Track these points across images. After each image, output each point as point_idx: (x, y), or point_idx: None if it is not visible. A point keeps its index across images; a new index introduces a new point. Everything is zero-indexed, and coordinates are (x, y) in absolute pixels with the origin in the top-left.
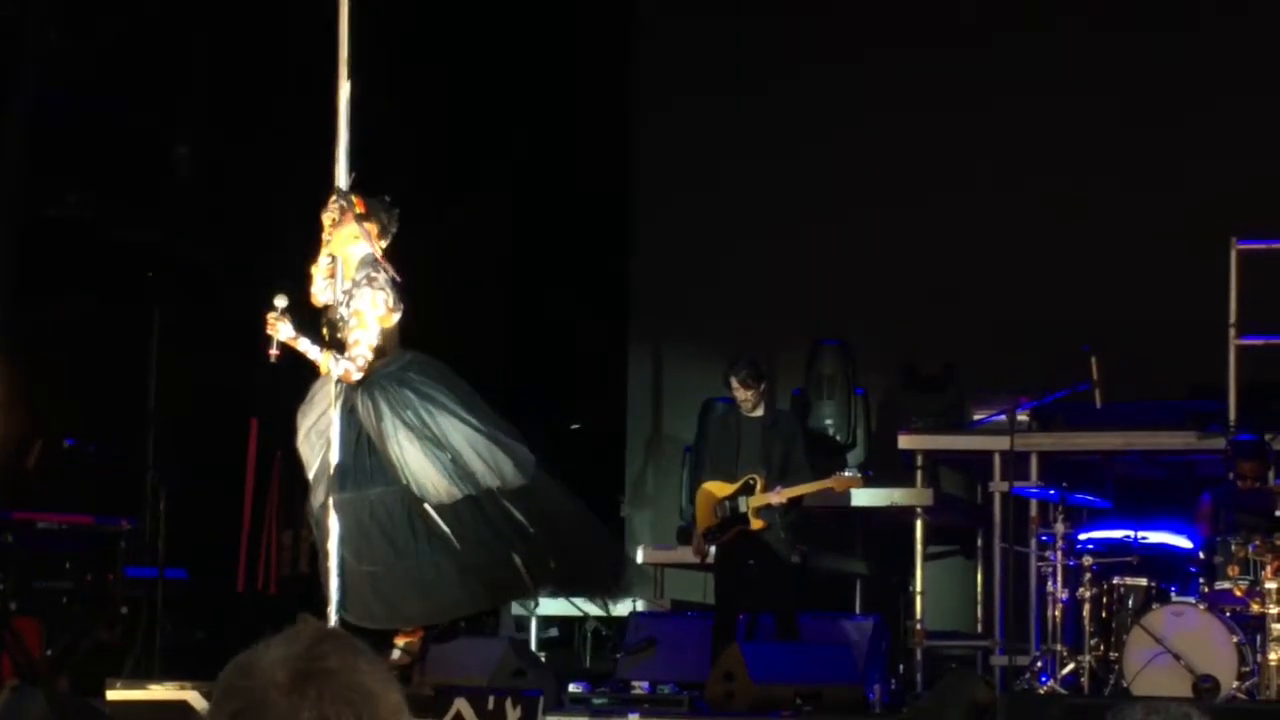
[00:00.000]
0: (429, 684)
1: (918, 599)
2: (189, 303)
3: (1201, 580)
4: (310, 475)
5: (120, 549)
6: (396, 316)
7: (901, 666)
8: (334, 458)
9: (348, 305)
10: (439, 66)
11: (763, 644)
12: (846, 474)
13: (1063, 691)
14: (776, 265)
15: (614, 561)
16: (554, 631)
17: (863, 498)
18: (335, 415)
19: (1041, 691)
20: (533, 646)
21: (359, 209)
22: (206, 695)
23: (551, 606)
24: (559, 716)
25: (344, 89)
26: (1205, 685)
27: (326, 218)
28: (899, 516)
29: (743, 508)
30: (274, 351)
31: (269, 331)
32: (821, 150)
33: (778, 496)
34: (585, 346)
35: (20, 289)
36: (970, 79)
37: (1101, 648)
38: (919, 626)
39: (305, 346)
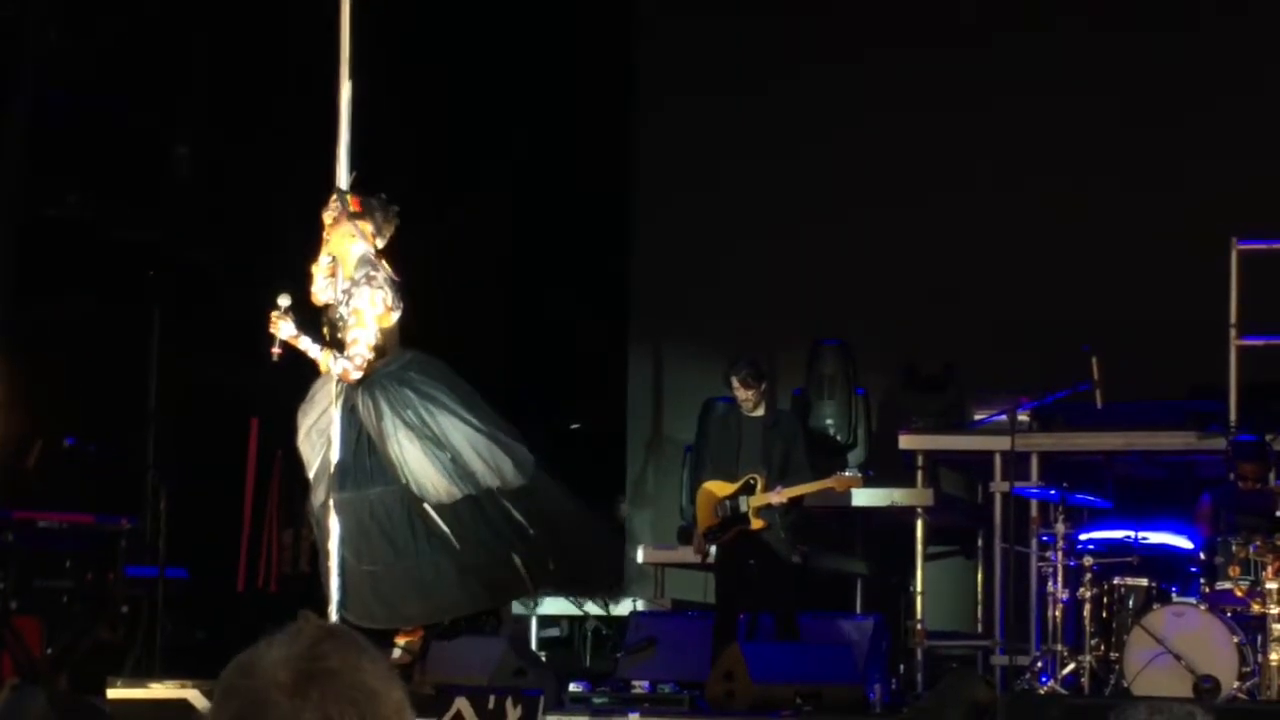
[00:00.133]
0: (429, 683)
1: (918, 599)
2: (189, 303)
3: (1202, 581)
4: (311, 474)
5: (121, 548)
6: (396, 315)
7: (902, 666)
8: (334, 457)
9: (347, 304)
10: (439, 66)
11: (763, 644)
12: (847, 474)
13: (1063, 692)
14: (776, 265)
15: (614, 562)
16: (557, 631)
17: (863, 498)
18: (336, 414)
19: (1042, 692)
20: (533, 646)
21: (353, 207)
22: (207, 694)
23: (552, 606)
24: (559, 716)
25: (345, 89)
26: (1206, 686)
27: (327, 216)
28: (899, 516)
29: (743, 507)
30: (276, 350)
31: (271, 330)
32: (821, 150)
33: (778, 496)
34: (585, 346)
35: (20, 289)
36: (970, 79)
37: (1102, 648)
38: (919, 626)
39: (306, 345)
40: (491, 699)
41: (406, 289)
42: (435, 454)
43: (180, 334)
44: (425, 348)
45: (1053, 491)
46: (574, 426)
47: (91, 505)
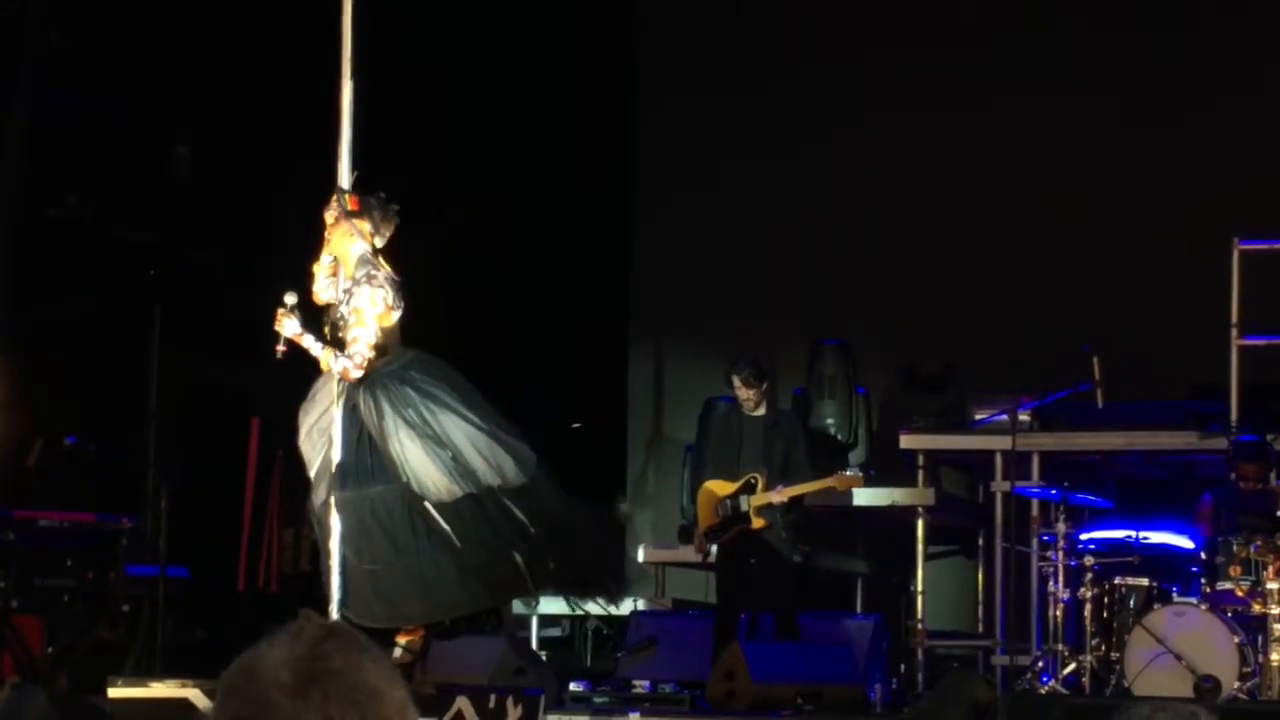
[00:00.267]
0: (430, 682)
1: (919, 599)
2: (189, 303)
3: (1203, 580)
4: (312, 474)
5: (121, 547)
6: (396, 315)
7: (902, 666)
8: (336, 456)
9: (348, 303)
10: (439, 66)
11: (764, 643)
12: (848, 473)
13: (1064, 691)
14: (777, 265)
15: (616, 563)
16: (559, 631)
17: (864, 497)
18: (337, 413)
19: (1043, 691)
20: (534, 645)
21: (351, 206)
22: (208, 694)
23: (553, 605)
24: (560, 715)
25: (345, 89)
26: (1207, 686)
27: (328, 216)
28: (900, 516)
29: (744, 507)
30: (280, 347)
31: (276, 327)
32: (821, 150)
33: (779, 495)
34: (585, 346)
35: (20, 289)
36: (970, 79)
37: (1103, 648)
38: (920, 626)
39: (309, 343)
40: (492, 698)
41: (406, 289)
42: (436, 452)
43: (180, 334)
44: (425, 348)
45: (1054, 491)
46: (575, 426)
47: (92, 504)
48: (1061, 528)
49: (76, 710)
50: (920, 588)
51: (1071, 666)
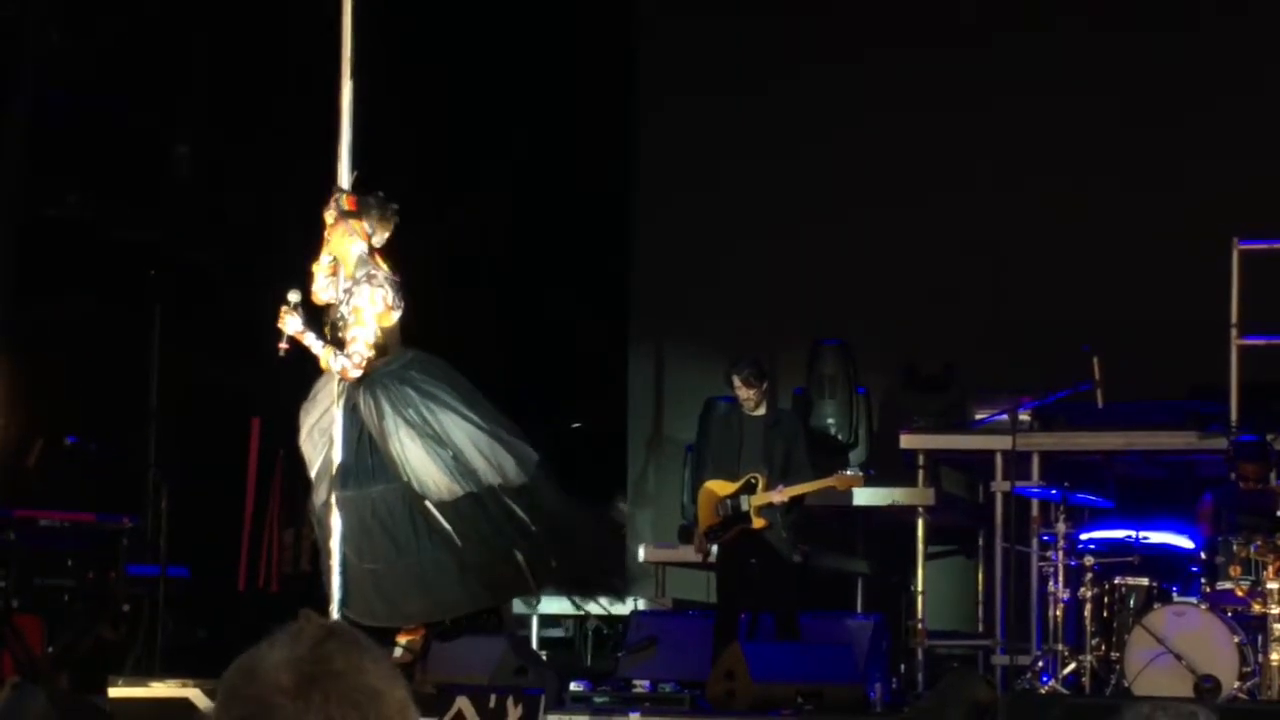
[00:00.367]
0: (430, 682)
1: (919, 598)
2: (189, 303)
3: (1203, 580)
4: (312, 473)
5: (122, 547)
6: (396, 315)
7: (903, 666)
8: (336, 456)
9: (347, 303)
10: (439, 66)
11: (764, 643)
12: (848, 473)
13: (1064, 691)
14: (777, 265)
15: (617, 562)
16: (561, 631)
17: (864, 497)
18: (338, 413)
19: (1043, 691)
20: (534, 645)
21: (348, 206)
22: (208, 693)
23: (554, 605)
24: (560, 715)
25: (346, 89)
26: (1207, 685)
27: (328, 216)
28: (900, 516)
29: (744, 506)
30: (283, 345)
31: (279, 325)
32: (821, 150)
33: (780, 495)
34: (585, 346)
35: (20, 289)
36: (970, 79)
37: (1103, 648)
38: (920, 626)
39: (310, 341)
40: (492, 698)
41: (406, 289)
42: (436, 451)
43: (180, 334)
44: (425, 348)
45: (1054, 491)
46: (575, 426)
47: (93, 504)
48: (1061, 528)
49: (77, 710)
50: (920, 587)
51: (1071, 666)
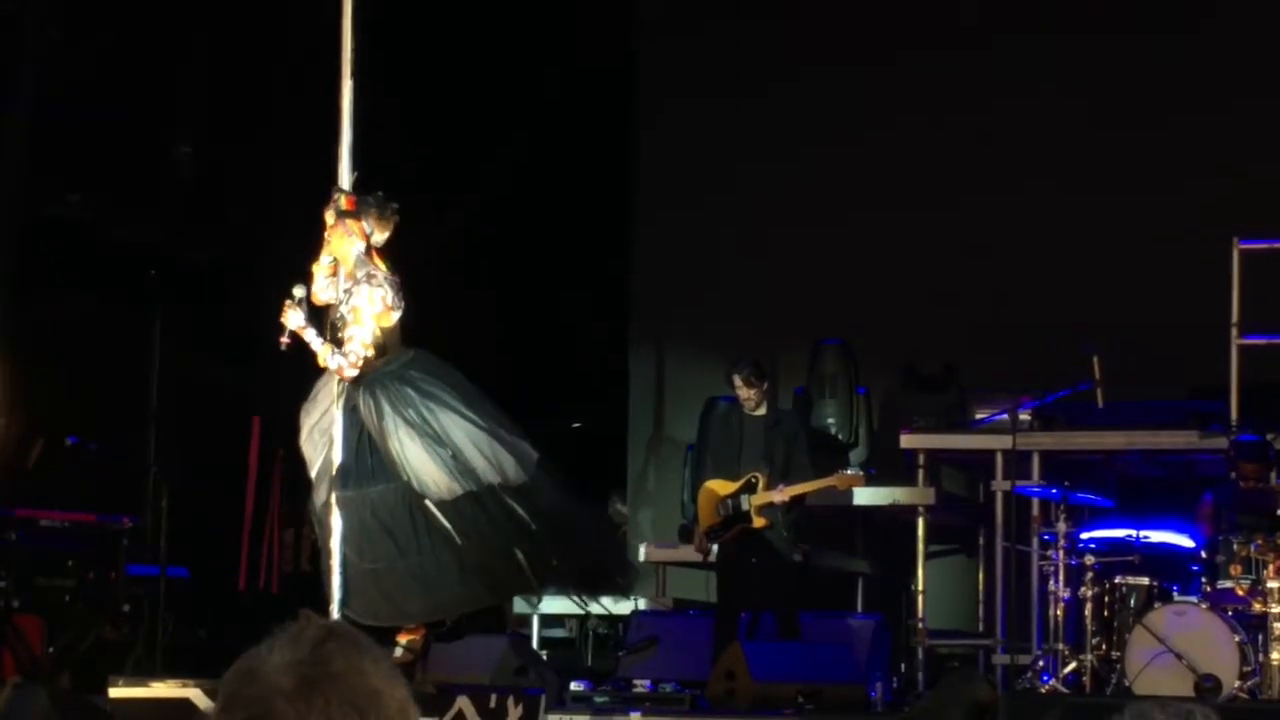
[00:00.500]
0: (431, 682)
1: (919, 598)
2: (189, 302)
3: (1204, 579)
4: (313, 474)
5: (122, 547)
6: (396, 315)
7: (903, 665)
8: (336, 456)
9: (347, 303)
10: (439, 66)
11: (764, 643)
12: (849, 472)
13: (1064, 691)
14: (777, 265)
15: (618, 560)
16: (564, 632)
17: (865, 496)
18: (337, 414)
19: (1043, 691)
20: (535, 645)
21: (346, 206)
22: (208, 693)
23: (556, 605)
24: (560, 714)
25: (345, 89)
26: (1207, 685)
27: (329, 216)
28: (901, 515)
29: (745, 506)
30: (284, 339)
31: (281, 319)
32: (822, 151)
33: (780, 495)
34: (586, 347)
35: (20, 289)
36: (970, 80)
37: (1103, 647)
38: (921, 625)
39: (311, 337)
40: (493, 698)
41: (406, 289)
42: (436, 451)
43: (181, 334)
44: (425, 348)
45: (1054, 490)
46: (575, 426)
47: (93, 504)
48: (1062, 527)
49: (77, 710)
50: (921, 587)
51: (1072, 666)
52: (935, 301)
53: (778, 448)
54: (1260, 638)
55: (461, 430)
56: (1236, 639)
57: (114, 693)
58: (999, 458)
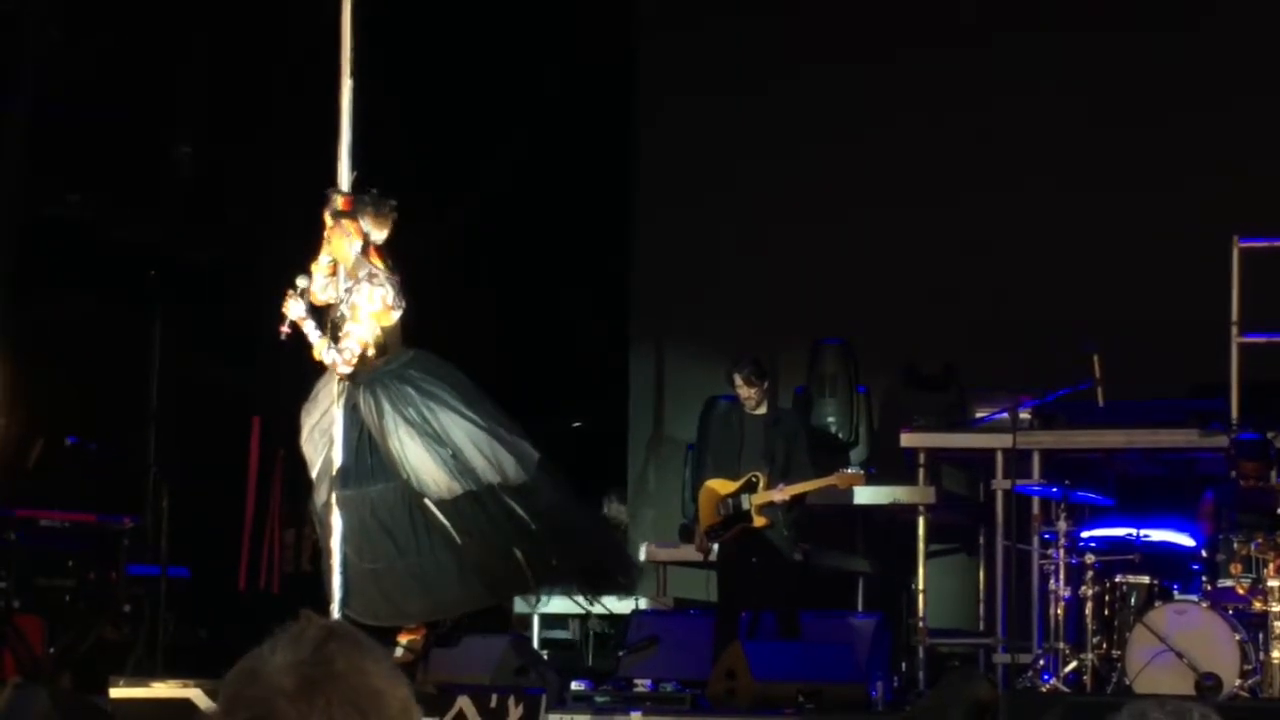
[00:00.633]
0: (432, 682)
1: (920, 597)
2: (190, 302)
3: (1204, 578)
4: (313, 474)
5: (123, 547)
6: (397, 314)
7: (904, 664)
8: (337, 456)
9: (347, 301)
10: (439, 66)
11: (765, 642)
12: (849, 471)
13: (1065, 690)
14: (777, 264)
15: (618, 559)
16: (567, 633)
17: (865, 495)
18: (338, 414)
19: (1044, 690)
20: (536, 646)
21: (342, 206)
22: (209, 693)
23: (558, 606)
24: (561, 714)
25: (345, 88)
26: (1208, 683)
27: (328, 216)
28: (901, 514)
29: (745, 505)
30: (284, 329)
31: (283, 309)
32: (822, 150)
33: (781, 494)
34: (586, 346)
35: (20, 289)
36: (970, 79)
37: (1104, 646)
38: (921, 624)
39: (310, 329)
40: (493, 698)
41: (406, 287)
42: (436, 450)
43: (181, 334)
44: (425, 347)
45: (1054, 489)
46: (575, 425)
47: (93, 504)
48: (1062, 526)
49: (78, 710)
50: (921, 586)
51: (1073, 665)
52: (935, 300)
53: (778, 447)
54: (1261, 636)
55: (461, 430)
56: (1237, 638)
57: (115, 693)
58: (999, 456)
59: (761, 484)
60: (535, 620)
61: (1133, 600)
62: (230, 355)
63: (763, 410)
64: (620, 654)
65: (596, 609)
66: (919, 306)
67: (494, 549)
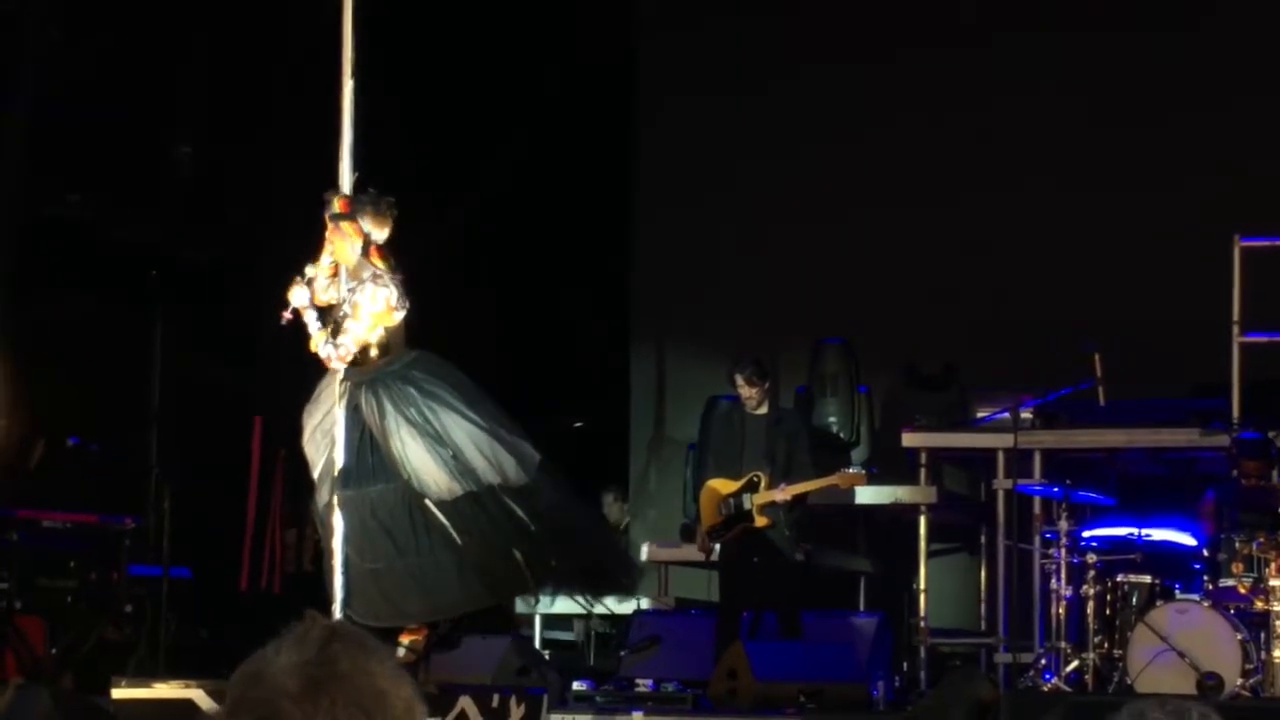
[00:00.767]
0: (433, 682)
1: (921, 596)
2: (190, 302)
3: (1205, 577)
4: (315, 474)
5: (124, 547)
6: (400, 315)
7: (905, 664)
8: (338, 457)
9: (349, 301)
10: (439, 66)
11: (766, 642)
12: (850, 471)
13: (1066, 689)
14: (778, 264)
15: (619, 560)
16: (572, 635)
17: (866, 495)
18: (339, 414)
19: (1045, 689)
20: (539, 646)
21: (339, 209)
22: (211, 694)
23: (560, 606)
24: (563, 714)
25: (346, 89)
26: (1209, 683)
27: (328, 219)
28: (903, 514)
29: (747, 505)
30: (286, 315)
31: (287, 295)
32: (822, 150)
33: (782, 494)
34: (586, 346)
35: (20, 289)
36: (970, 79)
37: (1105, 645)
38: (923, 624)
39: (310, 319)
40: (495, 697)
41: (407, 288)
42: (437, 450)
43: (181, 334)
44: (426, 347)
45: (1056, 489)
46: (576, 425)
47: (95, 505)
48: (1064, 525)
49: (80, 710)
50: (923, 586)
51: (1074, 664)
52: (936, 300)
53: (779, 447)
54: (1262, 636)
55: (462, 430)
56: (1238, 637)
57: (116, 693)
58: (1000, 456)
59: (763, 484)
60: (537, 620)
61: (1134, 600)
62: (231, 355)
63: (764, 410)
64: (622, 654)
65: (598, 609)
66: (919, 306)
67: (494, 549)
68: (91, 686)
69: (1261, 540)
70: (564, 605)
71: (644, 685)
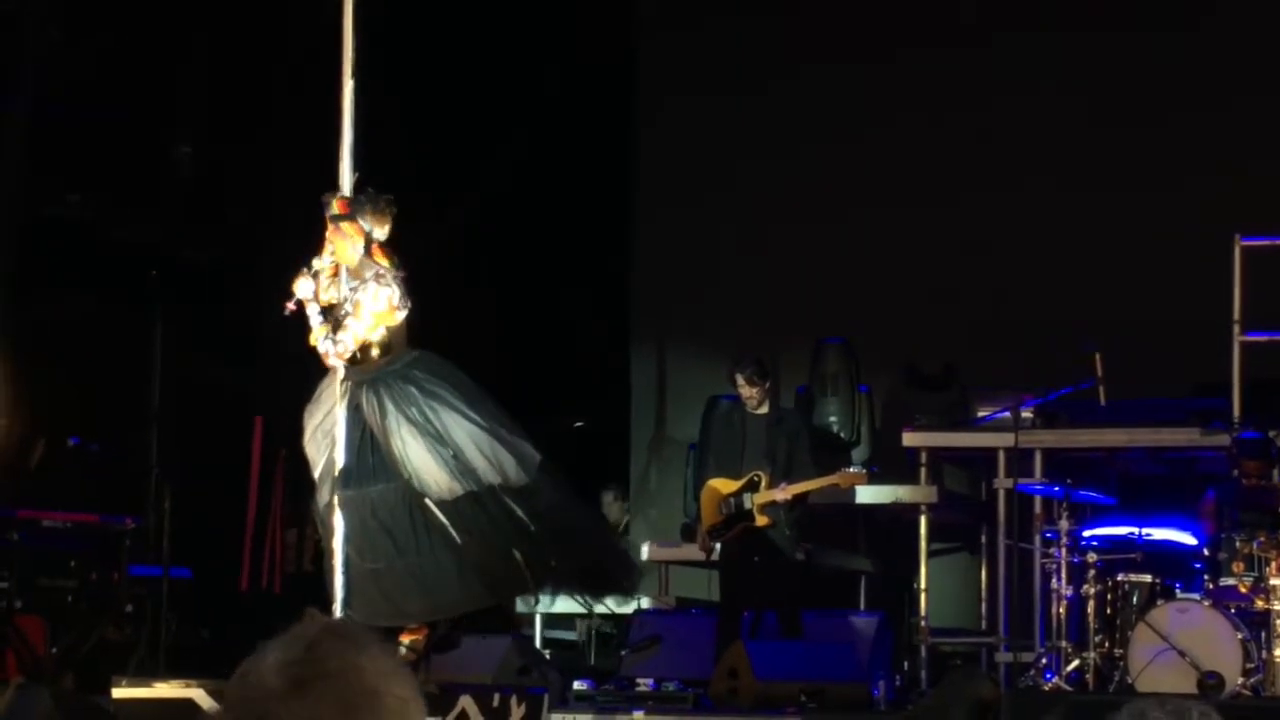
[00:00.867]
0: (434, 681)
1: (922, 596)
2: (190, 302)
3: (1206, 577)
4: (316, 474)
5: (125, 547)
6: (402, 315)
7: (906, 663)
8: (339, 457)
9: (351, 299)
10: (439, 66)
11: (767, 641)
12: (851, 471)
13: (1067, 688)
14: (778, 264)
15: (619, 561)
16: (574, 635)
17: (867, 495)
18: (340, 414)
19: (1046, 688)
20: (537, 644)
21: (338, 210)
22: (211, 693)
23: (562, 606)
24: (563, 714)
25: (346, 89)
26: (1210, 682)
27: (329, 220)
28: (903, 513)
29: (747, 504)
30: (290, 305)
31: (292, 286)
32: (822, 150)
33: (783, 493)
34: (587, 346)
35: (20, 289)
36: (970, 78)
37: (1106, 644)
38: (923, 623)
39: (313, 312)
40: (496, 697)
41: (408, 288)
42: (437, 450)
43: (181, 334)
44: (426, 347)
45: (1056, 488)
46: (577, 425)
47: (95, 505)
48: (1064, 524)
49: (81, 710)
50: (923, 585)
51: (1075, 663)
52: (936, 299)
53: (780, 446)
54: (1263, 635)
55: (463, 430)
56: (1239, 636)
57: (117, 693)
58: (1001, 455)
59: (763, 483)
60: (538, 620)
61: (1135, 599)
62: (231, 355)
63: (764, 410)
64: (622, 653)
65: (599, 609)
66: (920, 306)
67: (494, 549)
68: (92, 686)
69: (1262, 539)
70: (564, 605)
71: (645, 685)
